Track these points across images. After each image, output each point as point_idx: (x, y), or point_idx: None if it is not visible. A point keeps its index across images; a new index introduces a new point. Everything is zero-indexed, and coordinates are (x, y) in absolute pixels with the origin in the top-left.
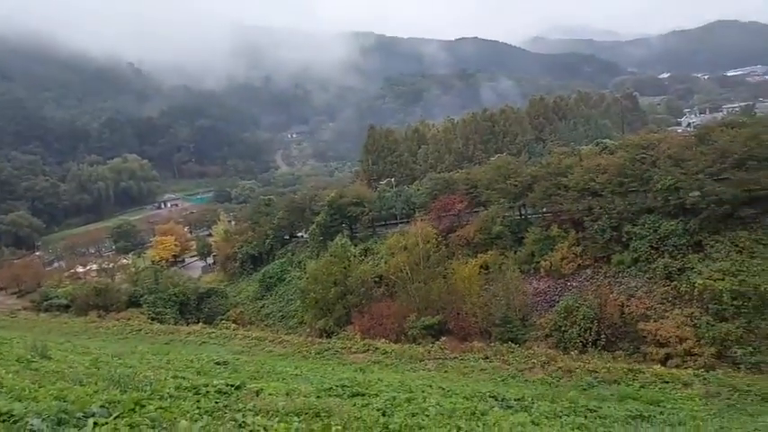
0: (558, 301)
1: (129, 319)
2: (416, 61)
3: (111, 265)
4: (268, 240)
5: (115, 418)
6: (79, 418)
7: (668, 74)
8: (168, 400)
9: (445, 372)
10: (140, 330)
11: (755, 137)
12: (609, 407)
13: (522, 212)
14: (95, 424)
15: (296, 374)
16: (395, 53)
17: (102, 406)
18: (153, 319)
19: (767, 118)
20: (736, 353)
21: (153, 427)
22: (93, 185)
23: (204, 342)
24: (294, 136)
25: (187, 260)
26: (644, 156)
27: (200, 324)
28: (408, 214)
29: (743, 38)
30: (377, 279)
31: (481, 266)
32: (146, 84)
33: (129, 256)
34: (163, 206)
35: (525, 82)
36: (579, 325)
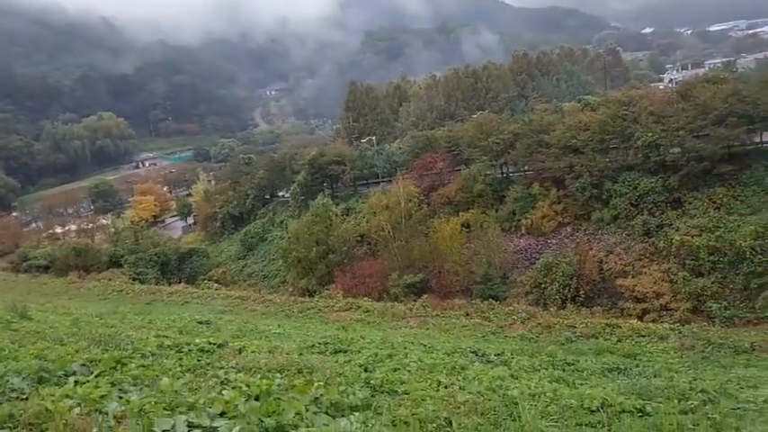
0: (538, 259)
1: (110, 279)
2: (397, 15)
3: (89, 226)
4: (249, 200)
5: (96, 377)
6: (60, 377)
7: (651, 29)
8: (150, 358)
9: (427, 329)
10: (122, 291)
11: (736, 93)
12: (586, 360)
13: (504, 171)
14: (76, 382)
15: (279, 333)
16: (375, 7)
17: (83, 365)
18: (134, 280)
19: (748, 74)
20: (710, 307)
21: (135, 385)
22: (69, 144)
23: (186, 302)
24: (273, 93)
25: (167, 220)
26: (625, 112)
27: (182, 284)
28: (390, 173)
29: None
30: (359, 238)
31: (462, 225)
32: (120, 39)
33: (108, 216)
34: (140, 165)
35: (508, 37)
36: (559, 282)
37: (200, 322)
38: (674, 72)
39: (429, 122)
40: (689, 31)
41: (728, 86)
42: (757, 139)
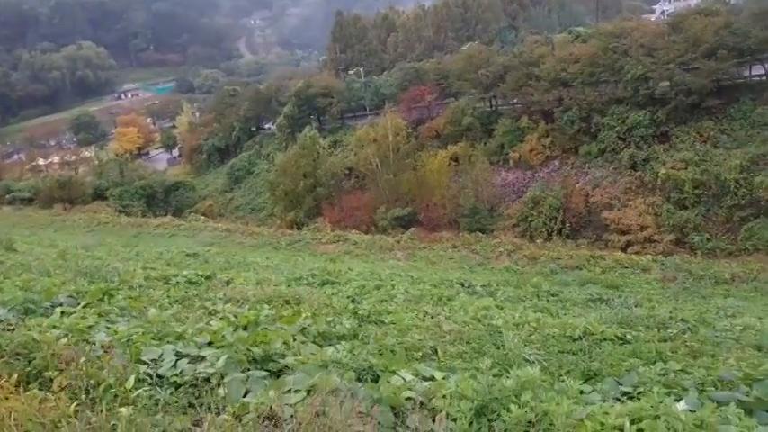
0: (525, 192)
1: (95, 212)
2: None
3: (73, 158)
4: (234, 132)
5: (83, 308)
6: (46, 308)
7: None
8: (137, 289)
9: (414, 261)
10: (108, 223)
11: (728, 25)
12: (570, 291)
13: (493, 104)
14: (63, 313)
15: (267, 265)
16: None
17: (69, 296)
18: (120, 212)
19: (741, 6)
20: (693, 239)
21: (122, 316)
22: (48, 74)
23: (173, 234)
24: (257, 22)
25: (152, 153)
26: (616, 45)
27: (169, 217)
28: (378, 106)
29: None
30: (346, 171)
31: (451, 158)
32: None
33: (91, 148)
34: (123, 96)
35: None
36: (545, 215)
37: (187, 254)
38: (666, 3)
39: (418, 54)
40: None
41: (720, 19)
42: (746, 73)
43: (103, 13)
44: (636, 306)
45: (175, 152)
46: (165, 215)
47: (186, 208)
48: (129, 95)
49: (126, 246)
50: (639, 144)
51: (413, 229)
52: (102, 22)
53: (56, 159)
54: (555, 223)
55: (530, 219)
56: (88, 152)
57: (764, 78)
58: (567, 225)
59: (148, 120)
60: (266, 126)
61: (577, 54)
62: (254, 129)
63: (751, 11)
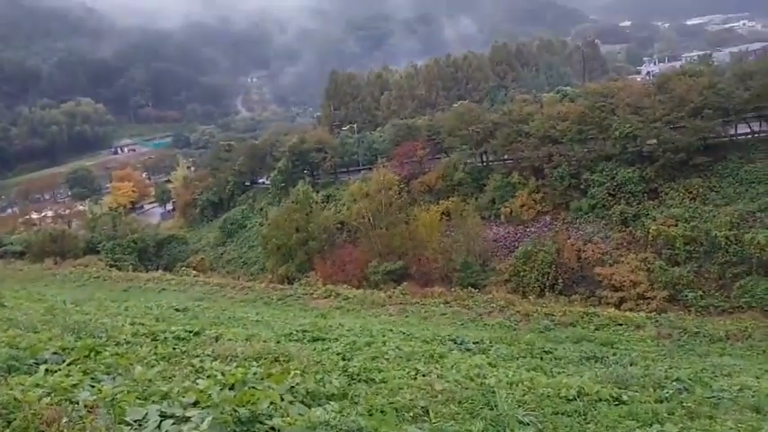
0: (517, 247)
1: (86, 265)
2: (378, 4)
3: (67, 212)
4: (229, 186)
5: (68, 365)
6: (31, 365)
7: (629, 22)
8: (124, 346)
9: (406, 316)
10: (98, 277)
11: (712, 86)
12: (564, 349)
13: (484, 159)
14: (47, 371)
15: (257, 320)
16: None
17: (55, 353)
18: (111, 266)
19: (724, 67)
20: (687, 296)
21: (107, 373)
22: (46, 129)
23: (164, 289)
24: (254, 80)
25: (146, 206)
26: (603, 103)
27: (160, 271)
28: (370, 161)
29: None
30: (339, 225)
31: (443, 213)
32: (99, 23)
33: (86, 202)
34: (119, 151)
35: (488, 28)
36: (537, 270)
37: (177, 309)
38: (652, 64)
39: (410, 111)
40: (666, 25)
41: (704, 79)
42: (732, 132)
43: (105, 71)
44: (631, 364)
45: (169, 206)
46: (157, 269)
47: (178, 262)
48: (126, 150)
49: (115, 300)
50: (629, 200)
51: (405, 283)
52: (103, 79)
53: (49, 213)
54: (547, 279)
55: (522, 274)
56: (82, 206)
57: (750, 137)
58: (560, 281)
59: (144, 174)
60: (260, 180)
61: (565, 112)
62: (248, 183)
63: (733, 72)
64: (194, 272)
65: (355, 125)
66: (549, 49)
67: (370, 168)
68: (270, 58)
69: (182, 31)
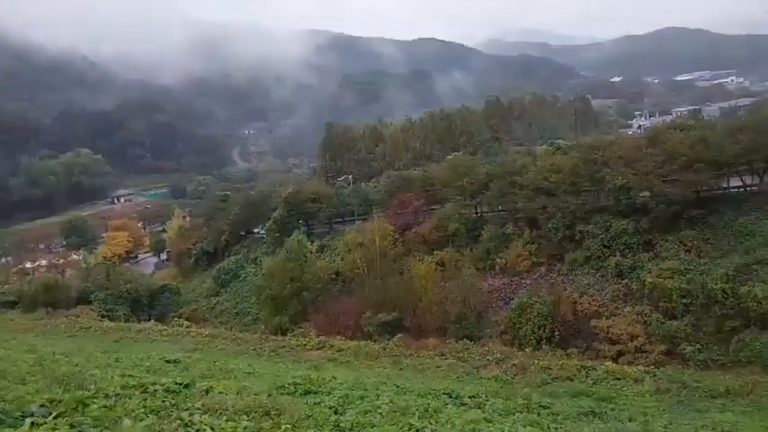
0: (512, 299)
1: (78, 316)
2: (374, 60)
3: (60, 261)
4: (223, 236)
5: (55, 418)
6: (16, 418)
7: (620, 78)
8: (113, 398)
9: (400, 369)
10: (90, 328)
11: (703, 139)
12: (562, 403)
13: (478, 210)
14: (33, 424)
15: (249, 372)
16: (352, 52)
17: (42, 405)
18: (103, 317)
19: (714, 121)
20: (685, 350)
21: (95, 427)
22: (45, 180)
23: (155, 340)
24: (251, 132)
25: (140, 256)
26: (596, 156)
27: (152, 321)
28: (365, 211)
29: (690, 44)
30: (333, 276)
31: (437, 264)
32: (101, 77)
33: (81, 251)
34: (116, 201)
35: (482, 83)
36: (533, 322)
37: (168, 361)
38: (643, 119)
39: (405, 163)
40: (656, 81)
41: (695, 133)
42: (724, 185)
43: (105, 123)
44: (630, 420)
45: (164, 256)
46: (149, 320)
47: (171, 312)
48: (123, 200)
49: (106, 352)
50: (624, 252)
51: (399, 335)
52: (103, 131)
53: (43, 262)
54: (544, 331)
55: (518, 326)
56: (77, 255)
57: (743, 190)
58: (556, 333)
59: (139, 224)
60: (255, 230)
61: (559, 164)
62: (243, 233)
63: (724, 126)
64: (187, 322)
65: (351, 176)
66: (542, 103)
67: (365, 219)
68: (267, 111)
69: (181, 84)
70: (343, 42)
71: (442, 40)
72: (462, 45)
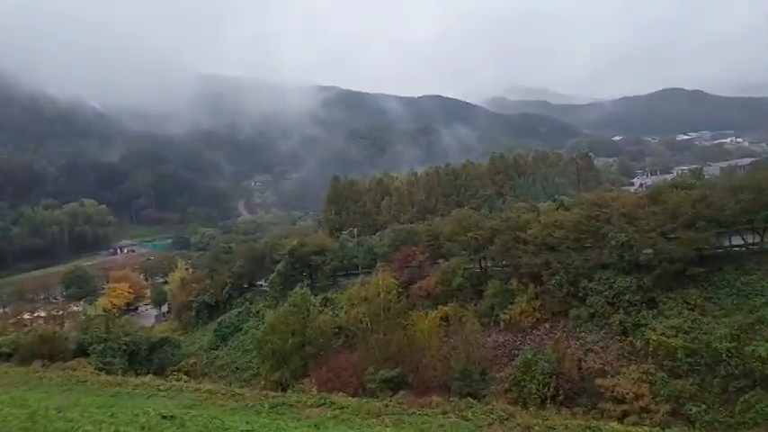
0: (517, 355)
1: (74, 369)
2: (380, 115)
3: (60, 312)
4: (226, 289)
5: None
6: None
7: (621, 136)
8: None
9: (402, 428)
10: (86, 381)
11: (704, 198)
12: None
13: (483, 265)
14: None
15: (247, 430)
16: (359, 107)
17: None
18: (100, 370)
19: (714, 181)
20: (690, 410)
21: None
22: (47, 229)
23: (153, 395)
24: (257, 184)
25: (141, 308)
26: (599, 213)
27: (150, 375)
28: (370, 265)
29: (688, 105)
30: (336, 330)
31: (441, 318)
32: (108, 128)
33: (80, 302)
34: (118, 252)
35: (486, 138)
36: (538, 380)
37: (164, 417)
38: (644, 177)
39: (410, 217)
40: (656, 140)
41: (696, 192)
42: (727, 243)
43: (111, 173)
44: None
45: (165, 308)
46: (147, 373)
47: (170, 366)
48: (125, 251)
49: (102, 407)
50: (628, 309)
51: (402, 392)
52: (108, 182)
53: (42, 313)
54: (548, 389)
55: (522, 384)
56: (76, 306)
57: (744, 248)
58: (561, 392)
59: (141, 275)
60: (258, 283)
61: (562, 221)
62: (245, 286)
63: (724, 186)
64: (185, 377)
65: (355, 229)
66: (545, 160)
67: (369, 272)
68: (273, 164)
69: (188, 136)
70: (349, 98)
71: (447, 98)
72: (467, 102)
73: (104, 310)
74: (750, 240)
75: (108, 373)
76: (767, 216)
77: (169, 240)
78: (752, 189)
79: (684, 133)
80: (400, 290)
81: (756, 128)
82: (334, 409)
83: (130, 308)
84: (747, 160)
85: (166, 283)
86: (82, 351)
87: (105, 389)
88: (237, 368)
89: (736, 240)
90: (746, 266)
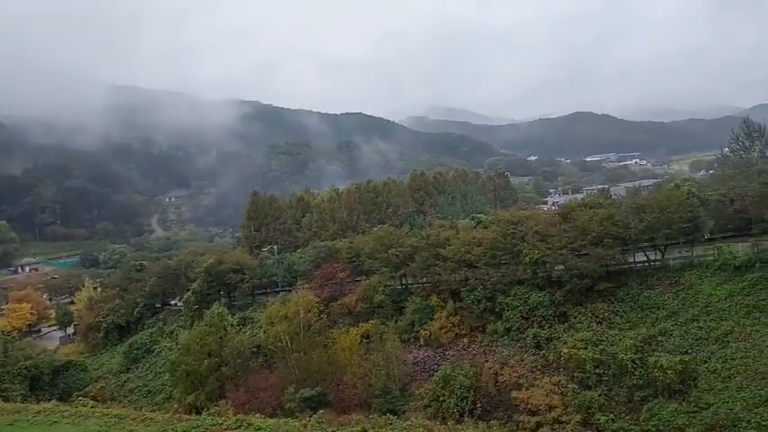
0: (436, 371)
1: None
2: (302, 131)
3: None
4: (137, 309)
5: None
6: None
7: (535, 157)
8: None
9: None
10: None
11: (610, 217)
12: None
13: (403, 282)
14: None
15: None
16: (280, 123)
17: None
18: None
19: (620, 200)
20: (599, 420)
21: None
22: None
23: (56, 422)
24: (173, 200)
25: (44, 330)
26: (514, 231)
27: (53, 401)
28: (290, 282)
29: (598, 128)
30: (255, 349)
31: (362, 336)
32: (10, 139)
33: None
34: (20, 270)
35: (407, 155)
36: (456, 394)
37: None
38: (557, 196)
39: (331, 234)
40: (568, 161)
41: (603, 211)
42: (631, 260)
43: (11, 187)
44: None
45: (70, 330)
46: (50, 399)
47: (75, 391)
48: (28, 269)
49: None
50: (542, 323)
51: (322, 411)
52: (9, 196)
53: None
54: (466, 403)
55: (441, 399)
56: None
57: (647, 264)
58: (479, 405)
59: (45, 295)
60: (173, 302)
61: (480, 238)
62: (158, 305)
63: (629, 205)
64: (92, 402)
65: (276, 246)
66: (464, 178)
67: (289, 290)
68: (190, 179)
69: (98, 149)
70: (269, 113)
71: (369, 115)
72: (389, 120)
73: (3, 333)
74: (652, 257)
75: (5, 400)
76: (668, 234)
77: (76, 258)
78: (654, 209)
79: (594, 155)
80: (321, 307)
81: (658, 150)
82: (252, 431)
83: (33, 329)
84: (650, 181)
85: (73, 303)
86: None
87: (2, 417)
88: (149, 391)
89: (640, 257)
90: (649, 281)
